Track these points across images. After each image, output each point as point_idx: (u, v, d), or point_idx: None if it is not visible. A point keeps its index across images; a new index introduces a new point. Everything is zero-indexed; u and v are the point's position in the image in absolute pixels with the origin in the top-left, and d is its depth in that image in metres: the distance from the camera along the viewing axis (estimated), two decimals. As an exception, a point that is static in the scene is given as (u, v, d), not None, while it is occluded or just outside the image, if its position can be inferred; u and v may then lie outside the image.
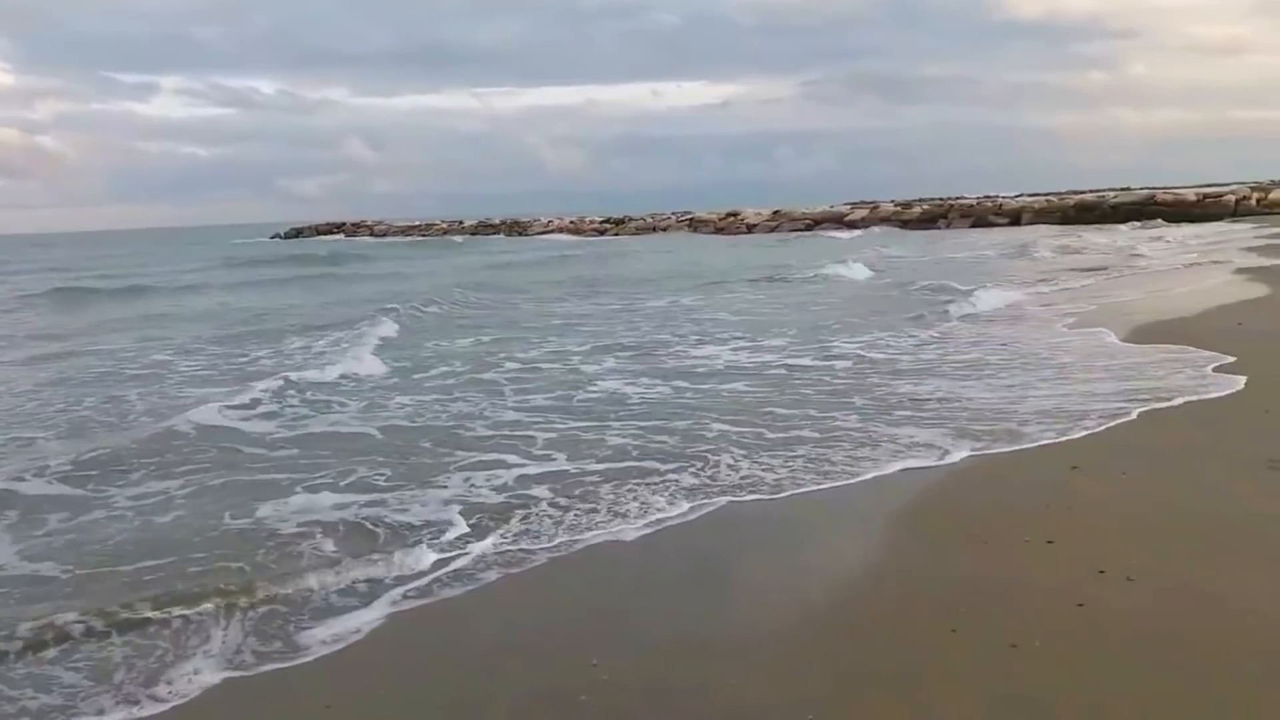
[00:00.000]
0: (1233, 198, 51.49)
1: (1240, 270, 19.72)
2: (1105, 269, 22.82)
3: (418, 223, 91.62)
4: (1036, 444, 7.29)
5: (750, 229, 66.67)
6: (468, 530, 5.84)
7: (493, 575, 5.23)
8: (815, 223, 64.58)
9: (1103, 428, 7.65)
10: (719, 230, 67.79)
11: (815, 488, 6.49)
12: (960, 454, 7.08)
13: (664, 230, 70.39)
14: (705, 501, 6.29)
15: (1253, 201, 50.63)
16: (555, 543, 5.66)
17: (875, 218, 62.79)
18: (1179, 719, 3.54)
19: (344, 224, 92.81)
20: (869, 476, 6.69)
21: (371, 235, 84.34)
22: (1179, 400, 8.43)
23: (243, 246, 68.85)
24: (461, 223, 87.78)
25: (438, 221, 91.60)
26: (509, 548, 5.59)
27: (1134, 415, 7.97)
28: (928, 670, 4.03)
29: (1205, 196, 52.74)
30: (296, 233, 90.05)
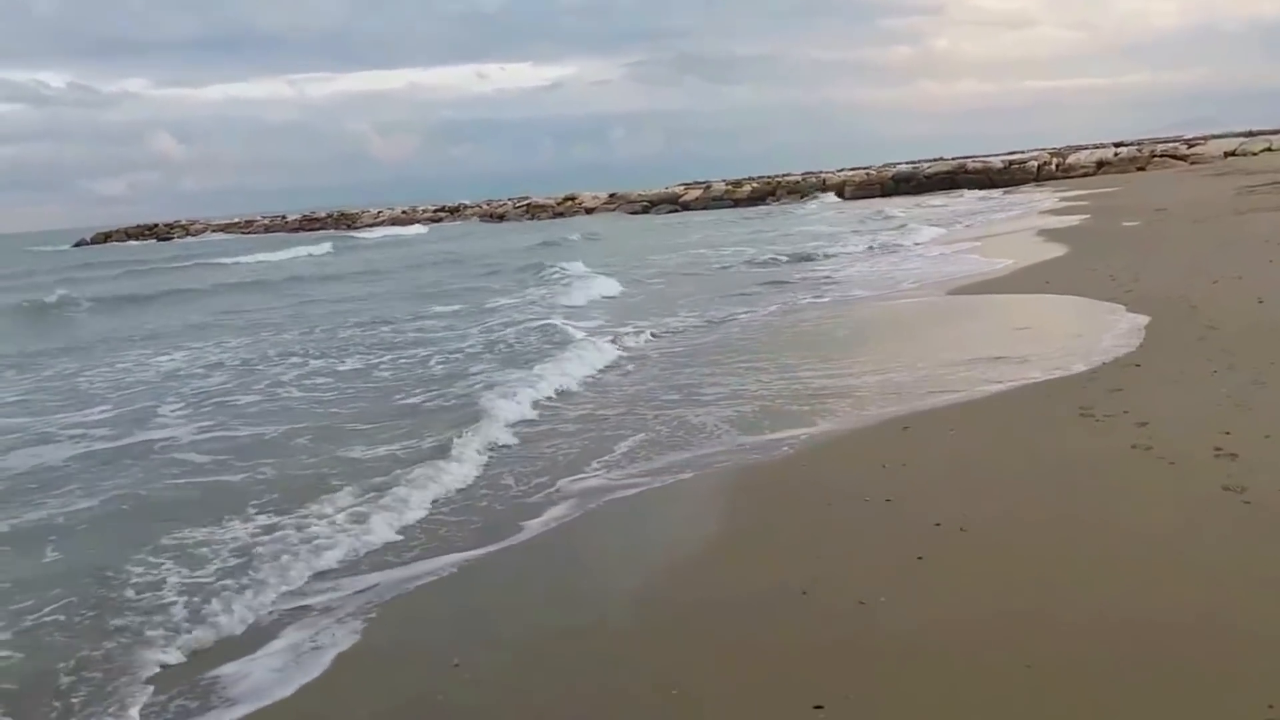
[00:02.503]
0: (1035, 164, 55.18)
1: (1043, 232, 21.13)
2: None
3: (237, 219, 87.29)
4: (868, 410, 7.59)
5: (589, 212, 66.95)
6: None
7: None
8: (652, 204, 65.34)
9: (925, 389, 8.05)
10: (558, 215, 67.76)
11: (655, 462, 6.55)
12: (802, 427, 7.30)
13: (501, 218, 69.68)
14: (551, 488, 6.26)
15: (1053, 166, 54.42)
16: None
17: (708, 197, 64.03)
18: (1021, 655, 3.74)
19: (155, 225, 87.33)
20: (711, 450, 6.80)
21: (189, 236, 79.81)
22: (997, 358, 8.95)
23: (33, 258, 58.63)
24: (285, 218, 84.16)
25: (258, 218, 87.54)
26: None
27: (955, 372, 8.43)
28: (781, 630, 4.13)
29: (1011, 163, 56.27)
30: (105, 237, 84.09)
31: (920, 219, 29.63)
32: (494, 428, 7.66)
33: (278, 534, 5.64)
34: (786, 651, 3.96)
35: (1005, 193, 44.72)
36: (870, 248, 22.02)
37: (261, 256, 38.14)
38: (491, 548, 5.40)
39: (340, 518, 5.82)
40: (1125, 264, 13.81)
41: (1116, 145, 61.61)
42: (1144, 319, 9.60)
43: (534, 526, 5.66)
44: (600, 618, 4.47)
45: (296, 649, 4.36)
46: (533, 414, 8.29)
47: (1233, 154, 50.50)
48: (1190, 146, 55.75)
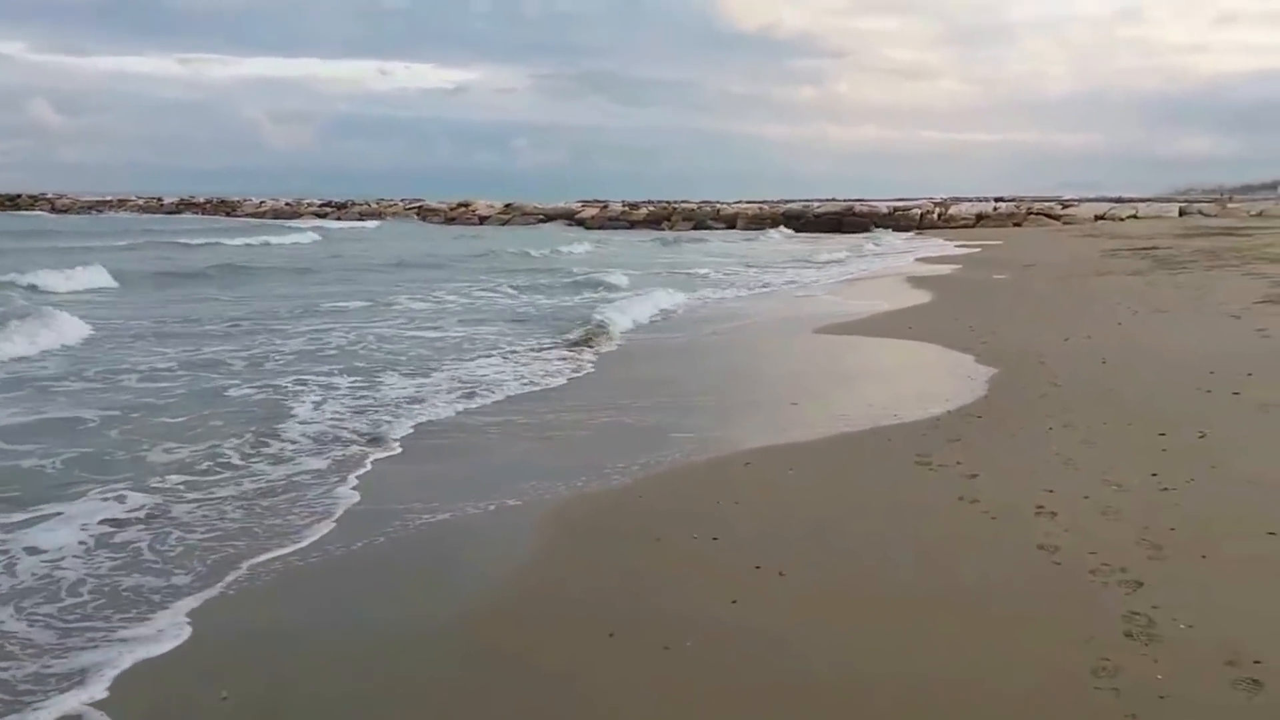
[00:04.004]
0: (919, 211, 57.18)
1: (911, 279, 21.74)
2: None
3: (109, 198, 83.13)
4: (715, 442, 7.50)
5: (482, 220, 66.29)
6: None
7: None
8: (548, 218, 65.12)
9: (775, 425, 8.02)
10: (450, 220, 66.88)
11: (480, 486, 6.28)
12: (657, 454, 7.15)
13: (390, 216, 68.23)
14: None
15: (935, 216, 56.48)
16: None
17: (604, 217, 64.15)
18: (817, 711, 3.62)
19: (19, 196, 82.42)
20: (543, 480, 6.57)
21: (52, 210, 75.52)
22: (849, 399, 9.01)
23: None
24: (161, 200, 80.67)
25: (133, 197, 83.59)
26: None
27: (805, 411, 8.44)
28: (581, 674, 3.93)
29: (896, 209, 58.15)
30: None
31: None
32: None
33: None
34: (586, 697, 3.76)
35: (909, 238, 45.49)
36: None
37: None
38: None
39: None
40: (986, 316, 14.24)
41: (997, 200, 64.50)
42: (994, 371, 9.83)
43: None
44: (388, 674, 4.16)
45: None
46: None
47: (1102, 218, 53.39)
48: (1065, 207, 58.74)
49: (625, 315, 14.37)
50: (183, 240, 35.75)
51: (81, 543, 5.27)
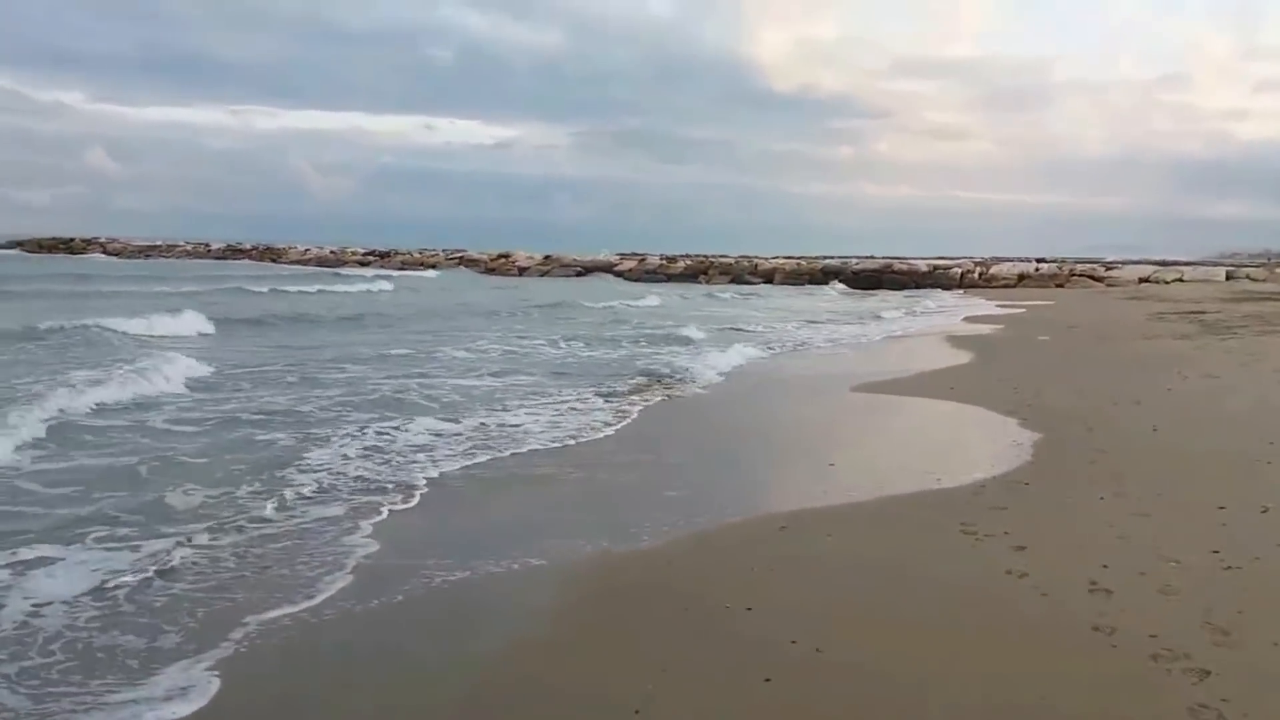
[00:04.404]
0: (959, 270, 56.70)
1: (952, 338, 21.39)
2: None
3: (159, 243, 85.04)
4: (750, 504, 7.25)
5: (522, 271, 66.80)
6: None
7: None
8: (586, 270, 65.44)
9: (812, 487, 7.76)
10: (490, 270, 67.47)
11: (520, 561, 6.08)
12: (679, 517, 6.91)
13: (433, 267, 68.97)
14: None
15: (975, 275, 55.95)
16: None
17: (641, 269, 64.36)
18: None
19: (72, 240, 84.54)
20: (570, 539, 6.35)
21: (104, 254, 77.31)
22: (888, 462, 8.72)
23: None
24: (208, 245, 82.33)
25: (181, 243, 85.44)
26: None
27: (843, 472, 8.16)
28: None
29: (935, 268, 57.71)
30: (16, 245, 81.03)
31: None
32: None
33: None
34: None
35: (959, 296, 44.92)
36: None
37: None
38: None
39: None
40: (1031, 378, 13.88)
41: (1039, 260, 63.80)
42: (1039, 436, 9.50)
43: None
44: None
45: None
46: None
47: (1147, 280, 52.58)
48: (1108, 269, 57.93)
49: (705, 367, 14.89)
50: (264, 288, 36.43)
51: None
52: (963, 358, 17.12)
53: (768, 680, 4.28)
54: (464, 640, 4.84)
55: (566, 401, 11.59)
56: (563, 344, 18.71)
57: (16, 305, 24.55)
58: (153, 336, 17.92)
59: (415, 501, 7.18)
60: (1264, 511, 6.58)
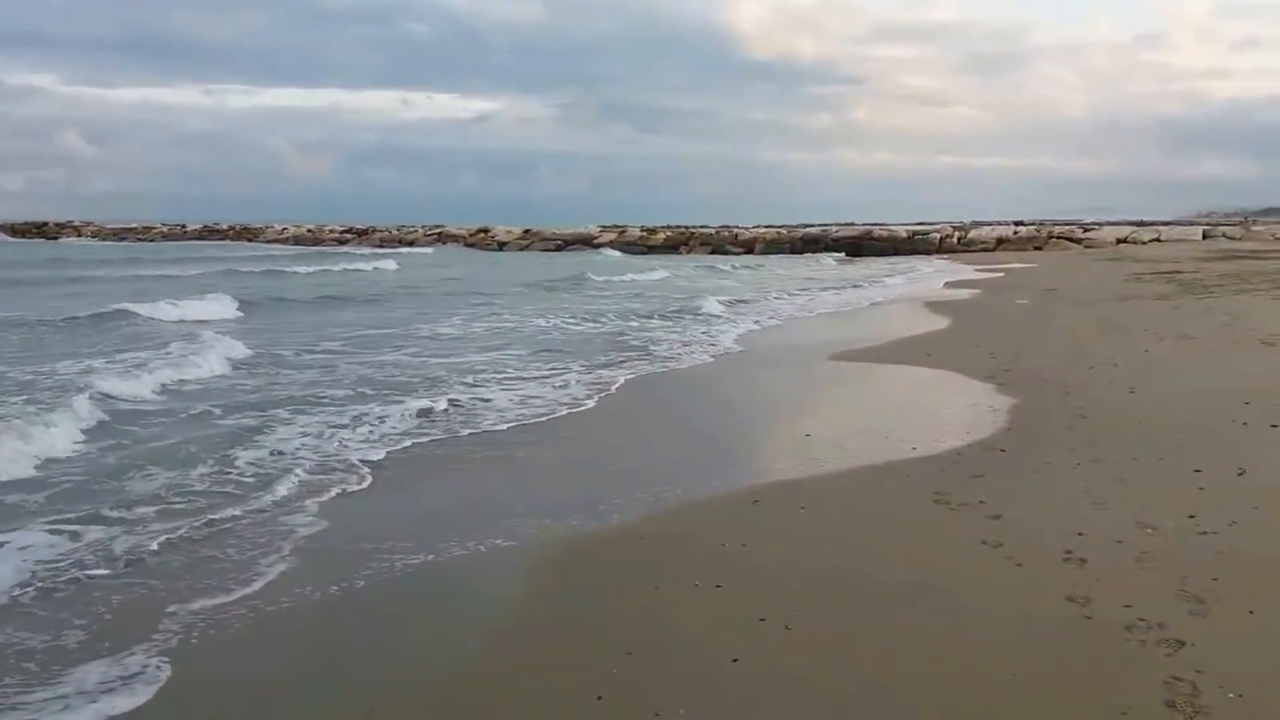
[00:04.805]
0: (938, 235, 56.66)
1: (930, 303, 21.31)
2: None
3: (134, 225, 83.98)
4: (724, 477, 7.14)
5: (501, 246, 66.38)
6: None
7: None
8: (566, 243, 65.03)
9: (787, 459, 7.66)
10: (469, 245, 66.99)
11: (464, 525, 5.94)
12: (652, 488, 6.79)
13: (411, 244, 68.37)
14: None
15: (954, 240, 55.94)
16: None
17: (622, 241, 64.02)
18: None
19: (46, 224, 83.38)
20: (539, 518, 6.22)
21: (78, 237, 76.30)
22: (864, 431, 8.62)
23: None
24: (184, 227, 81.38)
25: (158, 225, 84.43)
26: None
27: (818, 443, 8.06)
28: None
29: (914, 234, 57.65)
30: (-10, 229, 79.91)
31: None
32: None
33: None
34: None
35: (947, 261, 44.83)
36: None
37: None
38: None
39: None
40: (1008, 342, 13.81)
41: (1017, 224, 63.88)
42: (1016, 401, 9.43)
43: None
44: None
45: None
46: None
47: (1124, 241, 52.73)
48: (1086, 231, 58.05)
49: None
50: (263, 268, 36.14)
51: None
52: (940, 323, 17.05)
53: (735, 660, 4.17)
54: (426, 626, 4.70)
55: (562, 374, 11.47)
56: (600, 319, 18.64)
57: (26, 292, 24.55)
58: (185, 321, 17.69)
59: (367, 484, 7.00)
60: (1240, 474, 6.52)
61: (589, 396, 10.35)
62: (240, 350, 13.14)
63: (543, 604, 4.94)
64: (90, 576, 5.16)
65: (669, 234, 65.92)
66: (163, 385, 10.58)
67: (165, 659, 4.25)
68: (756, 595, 4.87)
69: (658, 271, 35.60)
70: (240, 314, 19.74)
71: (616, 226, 72.56)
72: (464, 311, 20.20)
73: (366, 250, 54.90)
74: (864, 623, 4.54)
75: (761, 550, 5.58)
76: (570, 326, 17.58)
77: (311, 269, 36.38)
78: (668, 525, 6.09)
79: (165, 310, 18.70)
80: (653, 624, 4.61)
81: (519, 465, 7.63)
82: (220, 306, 19.97)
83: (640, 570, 5.32)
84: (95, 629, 4.56)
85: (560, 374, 11.74)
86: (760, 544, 5.68)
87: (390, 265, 39.44)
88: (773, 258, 52.65)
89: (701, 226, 71.94)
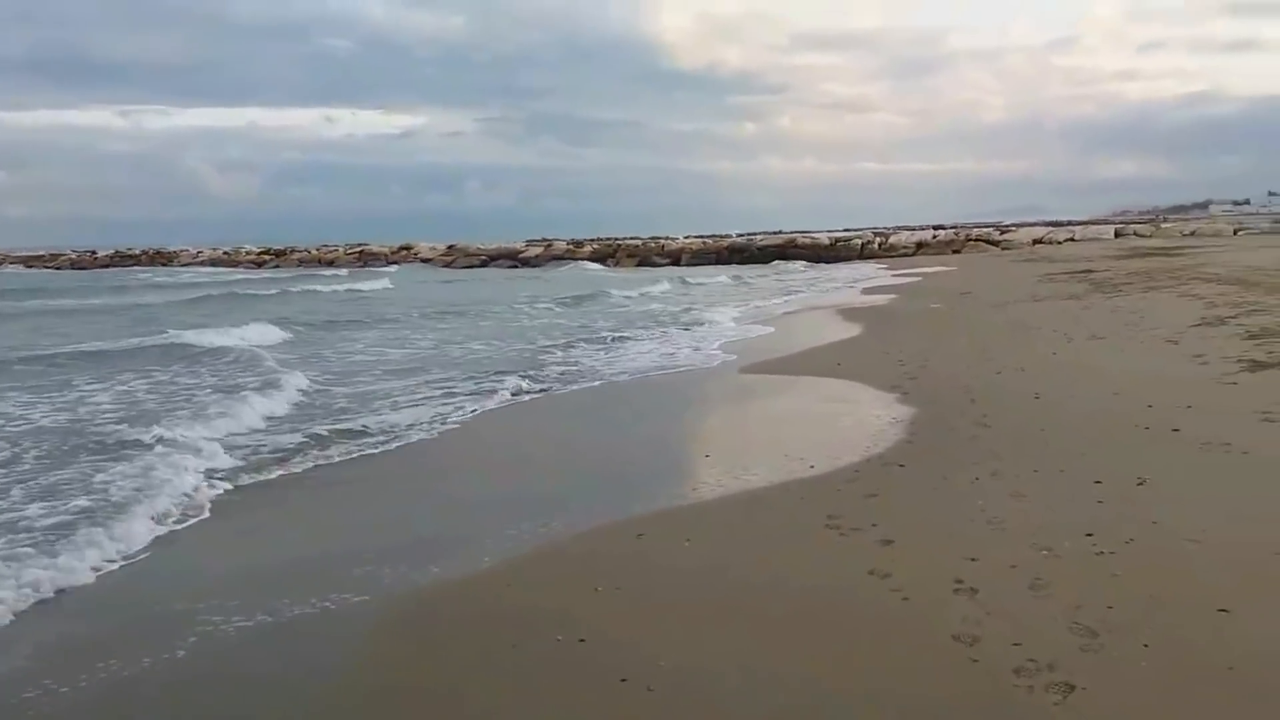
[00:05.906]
0: (859, 241, 57.26)
1: (845, 310, 21.18)
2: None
3: (42, 253, 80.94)
4: (609, 508, 6.68)
5: (425, 262, 65.32)
6: None
7: None
8: (491, 259, 64.21)
9: (682, 484, 7.23)
10: (390, 263, 65.78)
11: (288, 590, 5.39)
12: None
13: (330, 264, 66.82)
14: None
15: (875, 245, 56.53)
16: None
17: (548, 255, 63.47)
18: None
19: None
20: (389, 566, 5.69)
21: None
22: (764, 448, 8.24)
23: None
24: (94, 253, 78.51)
25: (67, 251, 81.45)
26: None
27: (716, 465, 7.65)
28: None
29: (837, 240, 58.20)
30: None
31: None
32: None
33: None
34: None
35: (879, 268, 45.13)
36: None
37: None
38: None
39: None
40: (918, 348, 13.63)
41: (936, 228, 64.91)
42: (920, 410, 9.15)
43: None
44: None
45: None
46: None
47: (1040, 242, 53.75)
48: (1003, 233, 59.10)
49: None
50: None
51: None
52: (854, 330, 16.86)
53: (587, 732, 3.71)
54: (247, 707, 4.15)
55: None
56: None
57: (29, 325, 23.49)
58: (237, 346, 16.45)
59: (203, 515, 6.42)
60: (1140, 484, 6.27)
61: (472, 413, 9.84)
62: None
63: (389, 675, 4.38)
64: None
65: (596, 246, 65.59)
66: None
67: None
68: (621, 650, 4.40)
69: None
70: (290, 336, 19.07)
71: (543, 240, 72.03)
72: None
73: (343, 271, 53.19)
74: (732, 680, 4.09)
75: (636, 594, 5.12)
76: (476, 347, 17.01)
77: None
78: (541, 567, 5.60)
79: (211, 338, 17.40)
80: (503, 692, 4.12)
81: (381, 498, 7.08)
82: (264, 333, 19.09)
83: (502, 625, 4.80)
84: None
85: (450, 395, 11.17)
86: (635, 587, 5.22)
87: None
88: (745, 268, 52.53)
89: (631, 238, 71.77)
